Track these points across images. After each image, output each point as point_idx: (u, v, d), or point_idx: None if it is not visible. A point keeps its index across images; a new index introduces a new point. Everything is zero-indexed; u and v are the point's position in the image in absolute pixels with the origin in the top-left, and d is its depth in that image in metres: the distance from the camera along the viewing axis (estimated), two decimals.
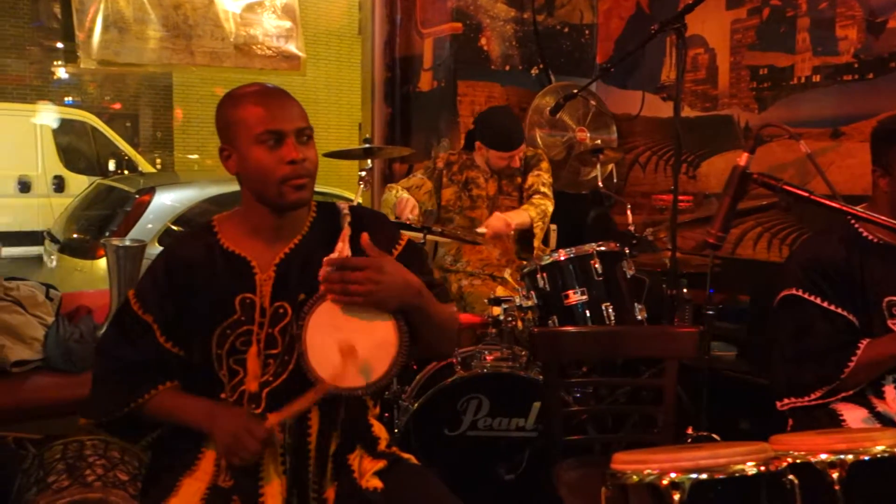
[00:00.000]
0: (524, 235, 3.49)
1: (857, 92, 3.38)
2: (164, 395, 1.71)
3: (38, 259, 7.66)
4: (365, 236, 1.64)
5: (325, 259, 1.65)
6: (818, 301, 2.03)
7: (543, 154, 3.66)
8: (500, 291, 3.29)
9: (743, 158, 1.68)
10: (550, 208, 3.50)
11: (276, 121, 1.65)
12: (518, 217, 3.37)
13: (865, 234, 2.09)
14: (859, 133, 3.37)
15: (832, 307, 2.03)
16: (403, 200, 3.30)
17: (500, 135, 3.42)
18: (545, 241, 3.68)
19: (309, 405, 1.63)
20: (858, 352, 1.98)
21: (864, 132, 3.34)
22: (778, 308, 2.13)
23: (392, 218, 3.25)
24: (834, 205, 1.61)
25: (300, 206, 1.71)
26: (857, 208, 1.65)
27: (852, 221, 2.10)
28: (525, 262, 3.16)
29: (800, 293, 2.06)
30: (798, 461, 1.36)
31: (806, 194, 1.60)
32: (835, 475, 1.35)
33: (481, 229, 3.30)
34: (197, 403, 1.70)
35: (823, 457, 1.36)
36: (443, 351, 1.94)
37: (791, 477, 1.32)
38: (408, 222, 3.09)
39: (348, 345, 1.59)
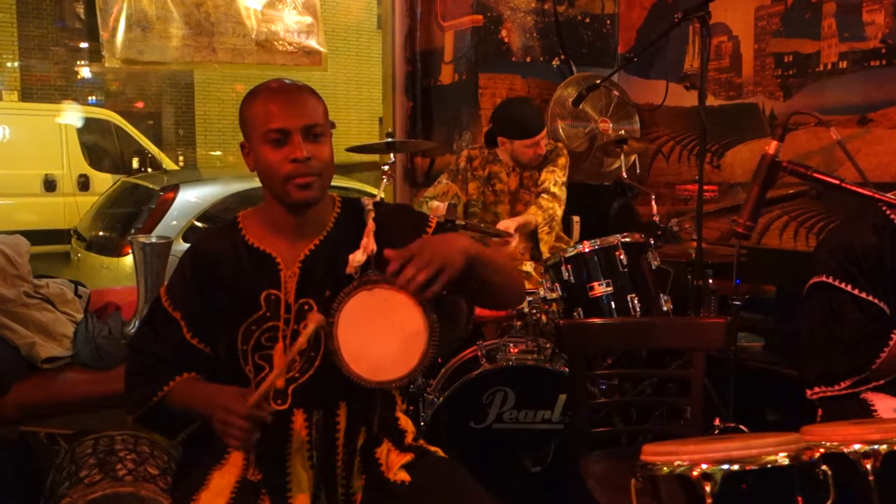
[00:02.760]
0: (534, 236, 3.46)
1: (885, 78, 3.33)
2: (183, 385, 1.73)
3: (65, 256, 7.76)
4: (388, 252, 1.61)
5: (352, 259, 1.66)
6: (849, 288, 2.01)
7: (563, 149, 3.58)
8: None
9: (772, 146, 1.66)
10: (559, 212, 3.42)
11: (281, 119, 1.64)
12: (522, 218, 3.33)
13: None
14: (887, 120, 3.32)
15: (863, 294, 2.00)
16: (437, 209, 3.27)
17: (519, 123, 3.38)
18: (568, 232, 3.66)
19: (281, 369, 1.61)
20: (891, 343, 1.95)
21: (892, 119, 3.29)
22: (808, 295, 2.10)
23: None
24: (864, 192, 1.58)
25: (308, 205, 1.70)
26: (888, 195, 1.62)
27: (884, 209, 2.06)
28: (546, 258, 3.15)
29: (830, 280, 2.04)
30: (831, 452, 1.34)
31: (836, 182, 1.58)
32: (868, 465, 1.34)
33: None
34: (202, 389, 1.70)
35: (857, 447, 1.35)
36: (515, 292, 1.81)
37: (824, 468, 1.30)
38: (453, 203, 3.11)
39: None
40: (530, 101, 3.57)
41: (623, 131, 4.22)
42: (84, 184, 10.18)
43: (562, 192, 3.45)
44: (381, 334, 1.61)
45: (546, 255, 3.39)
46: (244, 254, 1.74)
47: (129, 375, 1.79)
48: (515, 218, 3.33)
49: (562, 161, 3.50)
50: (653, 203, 3.36)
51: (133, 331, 2.76)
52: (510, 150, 3.44)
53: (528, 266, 3.44)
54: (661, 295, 2.90)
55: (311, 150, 1.65)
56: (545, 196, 3.40)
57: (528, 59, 4.31)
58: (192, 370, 1.74)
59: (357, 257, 1.67)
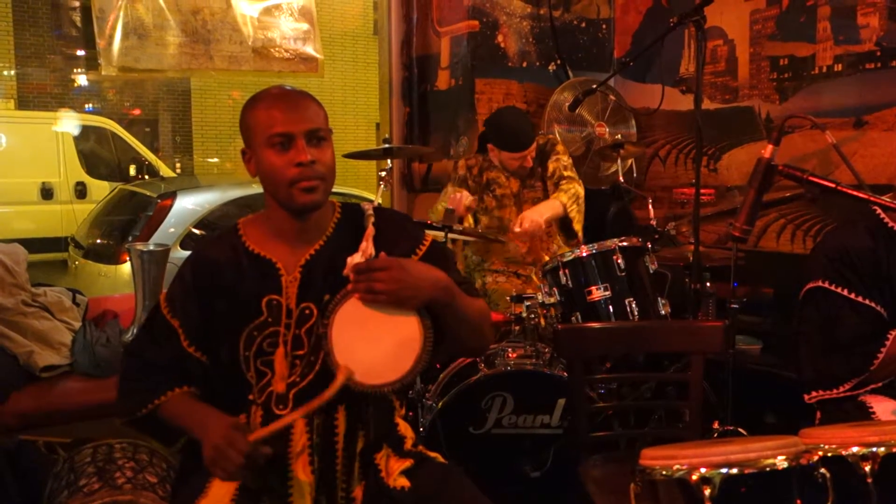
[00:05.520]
0: (564, 223, 3.44)
1: (880, 80, 3.34)
2: (178, 399, 1.72)
3: (62, 264, 7.75)
4: (383, 255, 1.64)
5: (350, 262, 1.66)
6: (845, 293, 2.01)
7: (555, 138, 3.61)
8: (523, 289, 3.28)
9: (767, 150, 1.67)
10: (581, 190, 3.41)
11: (285, 123, 1.65)
12: (550, 210, 3.31)
13: (891, 223, 2.06)
14: (883, 122, 3.33)
15: (859, 299, 2.01)
16: (455, 196, 3.25)
17: (509, 136, 3.38)
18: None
19: (291, 420, 1.61)
20: (888, 343, 1.96)
21: (887, 121, 3.31)
22: (804, 300, 2.11)
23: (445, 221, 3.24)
24: (860, 195, 1.59)
25: (312, 209, 1.71)
26: (884, 198, 1.63)
27: (878, 211, 2.07)
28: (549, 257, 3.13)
29: (826, 285, 2.04)
30: (829, 454, 1.34)
31: (832, 185, 1.58)
32: (867, 468, 1.34)
33: (515, 227, 3.23)
34: (196, 410, 1.69)
35: (855, 450, 1.35)
36: (476, 345, 1.89)
37: (823, 470, 1.30)
38: (466, 213, 3.11)
39: (346, 369, 1.59)
40: (523, 115, 3.55)
41: (619, 135, 4.23)
42: (81, 191, 10.18)
43: (575, 174, 3.46)
44: (376, 338, 1.61)
45: (580, 233, 3.39)
46: (245, 260, 1.75)
47: (124, 381, 1.79)
48: (539, 210, 3.28)
49: (560, 147, 3.53)
50: (650, 207, 3.37)
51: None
52: (498, 157, 3.45)
53: (529, 269, 3.45)
54: (659, 298, 2.90)
55: (314, 154, 1.66)
56: (563, 181, 3.41)
57: (525, 64, 4.32)
58: (188, 381, 1.74)
59: (355, 260, 1.67)
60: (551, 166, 3.46)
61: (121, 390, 1.79)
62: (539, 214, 3.24)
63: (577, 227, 3.41)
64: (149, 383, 1.74)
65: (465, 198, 3.25)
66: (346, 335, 1.61)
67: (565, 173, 3.43)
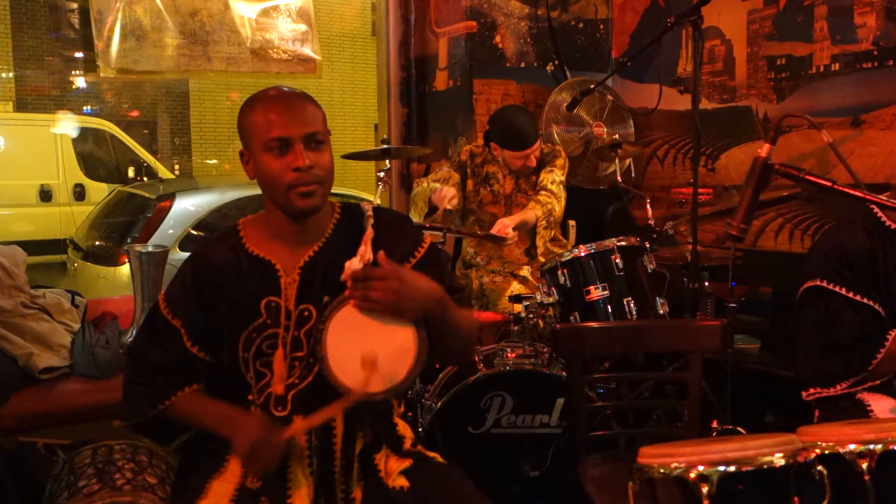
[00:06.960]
0: (533, 233, 3.44)
1: (877, 80, 3.34)
2: (189, 398, 1.74)
3: (61, 266, 7.75)
4: (382, 255, 1.63)
5: (348, 266, 1.66)
6: (843, 292, 2.02)
7: (560, 151, 3.58)
8: (520, 289, 3.29)
9: (764, 149, 1.67)
10: (558, 208, 3.40)
11: (283, 127, 1.64)
12: (520, 216, 3.31)
13: (888, 223, 2.07)
14: (880, 121, 3.33)
15: (857, 297, 2.01)
16: (441, 189, 3.23)
17: (512, 134, 3.37)
18: (564, 236, 3.66)
19: (331, 416, 1.64)
20: (887, 343, 1.96)
21: (885, 120, 3.31)
22: (802, 299, 2.11)
23: (425, 210, 3.24)
24: (857, 193, 1.59)
25: (310, 213, 1.71)
26: (881, 197, 1.63)
27: (875, 210, 2.08)
28: (541, 260, 3.14)
29: (824, 284, 2.04)
30: (826, 452, 1.35)
31: (829, 184, 1.59)
32: (864, 465, 1.34)
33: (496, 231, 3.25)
34: (219, 409, 1.71)
35: (852, 447, 1.35)
36: (462, 358, 1.95)
37: (820, 468, 1.31)
38: (448, 209, 3.10)
39: (371, 355, 1.59)
40: (527, 114, 3.54)
41: (617, 135, 4.23)
42: (80, 193, 10.18)
43: (560, 191, 3.44)
44: (371, 346, 1.61)
45: (541, 249, 3.39)
46: (244, 261, 1.75)
47: (129, 384, 1.79)
48: (513, 216, 3.32)
49: (559, 161, 3.50)
50: (648, 207, 3.37)
51: (131, 339, 2.75)
52: (501, 156, 3.45)
53: (525, 270, 3.45)
54: (658, 298, 2.91)
55: (312, 159, 1.65)
56: (543, 193, 3.40)
57: (523, 65, 4.33)
58: (194, 380, 1.75)
59: (353, 266, 1.67)
60: (542, 176, 3.45)
61: (127, 394, 1.79)
62: (511, 220, 3.24)
63: (539, 242, 3.40)
64: (156, 385, 1.74)
65: (448, 194, 3.23)
66: (340, 341, 1.61)
67: (550, 186, 3.40)
